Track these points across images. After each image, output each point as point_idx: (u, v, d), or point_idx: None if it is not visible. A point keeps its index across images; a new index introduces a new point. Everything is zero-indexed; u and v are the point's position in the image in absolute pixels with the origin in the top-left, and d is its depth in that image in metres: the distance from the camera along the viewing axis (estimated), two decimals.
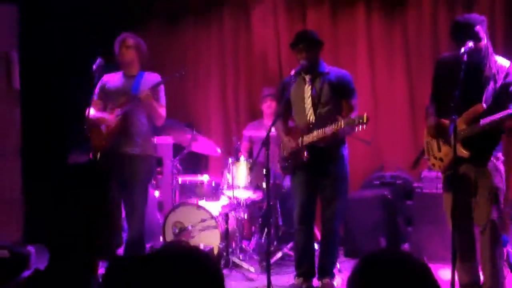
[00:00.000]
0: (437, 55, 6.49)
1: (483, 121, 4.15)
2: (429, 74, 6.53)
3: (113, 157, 5.34)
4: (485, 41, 4.21)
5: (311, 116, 4.99)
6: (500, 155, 4.35)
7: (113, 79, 5.58)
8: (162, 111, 5.50)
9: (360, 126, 4.58)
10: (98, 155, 5.36)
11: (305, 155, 4.93)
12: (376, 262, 1.58)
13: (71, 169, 2.00)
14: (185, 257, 1.55)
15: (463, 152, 4.19)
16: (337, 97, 5.00)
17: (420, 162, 4.91)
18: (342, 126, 4.62)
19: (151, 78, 5.55)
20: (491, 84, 4.20)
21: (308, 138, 4.92)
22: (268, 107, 6.82)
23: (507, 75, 4.23)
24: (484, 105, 4.17)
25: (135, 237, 5.41)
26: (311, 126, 4.94)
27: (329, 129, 4.72)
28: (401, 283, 1.52)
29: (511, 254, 5.40)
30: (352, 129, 4.69)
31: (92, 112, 5.29)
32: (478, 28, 4.16)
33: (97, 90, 5.49)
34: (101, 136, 5.41)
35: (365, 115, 4.53)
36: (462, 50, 4.05)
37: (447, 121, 4.19)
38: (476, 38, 4.12)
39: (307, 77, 5.05)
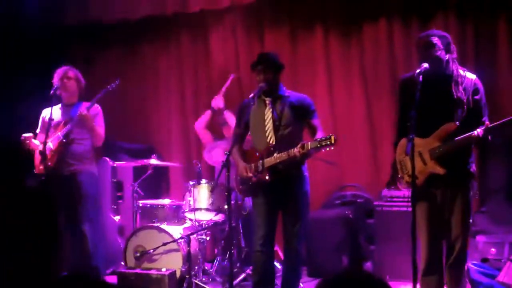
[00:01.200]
0: (394, 74, 6.64)
1: (459, 138, 4.19)
2: (386, 93, 6.71)
3: (57, 178, 5.60)
4: (450, 55, 4.30)
5: (271, 139, 4.93)
6: (473, 167, 4.40)
7: (53, 110, 5.71)
8: (101, 130, 5.84)
9: (328, 148, 4.55)
10: (42, 179, 5.57)
11: (267, 178, 4.88)
12: (336, 283, 1.59)
13: (18, 194, 1.96)
14: None
15: (438, 170, 4.24)
16: (298, 120, 4.97)
17: (395, 180, 4.94)
18: (309, 148, 4.59)
19: (86, 105, 5.83)
20: (462, 98, 4.25)
21: (270, 161, 4.87)
22: (216, 102, 6.99)
23: (476, 90, 4.30)
24: (457, 123, 4.22)
25: (84, 259, 5.65)
26: (271, 149, 4.89)
27: (294, 153, 4.65)
28: None
29: (471, 270, 5.47)
30: (319, 150, 4.66)
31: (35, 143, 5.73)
32: (436, 40, 4.25)
33: (40, 124, 5.90)
34: (47, 160, 5.58)
35: (332, 137, 4.47)
36: (418, 71, 4.13)
37: (424, 141, 4.26)
38: (434, 47, 4.22)
39: (268, 100, 5.02)
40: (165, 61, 7.94)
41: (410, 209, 4.11)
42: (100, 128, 5.83)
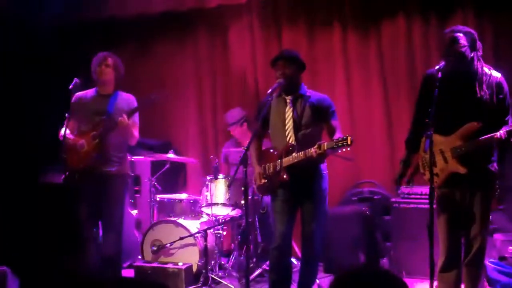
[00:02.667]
0: (412, 70, 6.61)
1: (482, 139, 4.14)
2: (405, 89, 6.68)
3: (90, 177, 5.41)
4: (476, 53, 4.25)
5: (291, 138, 4.91)
6: (495, 165, 4.36)
7: (86, 97, 5.61)
8: (136, 131, 5.59)
9: (344, 149, 4.50)
10: (76, 176, 5.39)
11: (285, 177, 4.89)
12: (352, 279, 1.59)
13: (42, 190, 1.98)
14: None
15: (460, 169, 4.21)
16: (318, 120, 4.94)
17: (414, 178, 4.92)
18: (326, 149, 4.56)
19: (126, 98, 5.65)
20: (486, 97, 4.22)
21: (288, 160, 4.85)
22: (234, 132, 6.82)
23: (500, 88, 4.26)
24: (479, 123, 4.18)
25: (111, 255, 5.47)
26: (290, 148, 4.87)
27: (311, 153, 4.62)
28: None
29: (489, 268, 5.45)
30: (335, 151, 4.65)
31: (67, 132, 5.40)
32: (461, 36, 4.21)
33: (71, 109, 5.50)
34: (78, 158, 5.44)
35: (349, 138, 4.43)
36: (437, 67, 4.09)
37: (446, 139, 4.24)
38: (459, 43, 4.18)
39: (288, 99, 4.99)
40: (182, 57, 7.97)
41: (427, 206, 4.09)
42: (135, 129, 5.59)
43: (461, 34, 4.21)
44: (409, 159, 4.54)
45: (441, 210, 4.26)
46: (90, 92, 5.66)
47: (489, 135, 4.11)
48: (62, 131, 5.46)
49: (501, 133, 4.08)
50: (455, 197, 4.33)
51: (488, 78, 4.24)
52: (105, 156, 5.46)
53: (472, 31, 4.29)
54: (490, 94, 4.21)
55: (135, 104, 5.62)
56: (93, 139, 5.43)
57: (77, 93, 5.61)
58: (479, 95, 4.20)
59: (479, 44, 4.28)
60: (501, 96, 4.24)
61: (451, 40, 4.21)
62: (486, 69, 4.28)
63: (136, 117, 5.62)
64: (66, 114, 5.43)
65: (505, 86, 4.29)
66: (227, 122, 6.83)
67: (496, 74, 4.29)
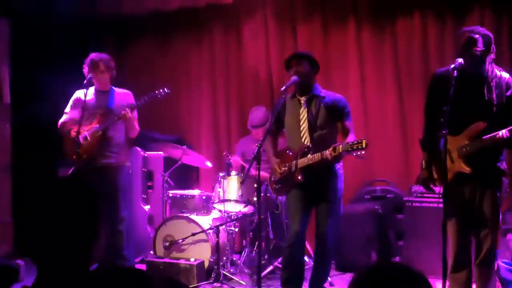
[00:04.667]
0: (427, 68, 6.57)
1: (485, 138, 4.14)
2: (419, 88, 6.64)
3: (91, 169, 5.65)
4: (489, 56, 4.24)
5: (306, 140, 4.93)
6: (504, 165, 4.35)
7: (86, 94, 5.74)
8: (136, 124, 5.90)
9: (359, 152, 4.51)
10: (78, 168, 5.64)
11: (299, 178, 4.90)
12: (376, 273, 1.58)
13: (56, 183, 1.99)
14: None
15: (465, 168, 4.21)
16: (333, 121, 4.95)
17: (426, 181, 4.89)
18: (341, 151, 4.57)
19: (124, 93, 5.96)
20: (494, 98, 4.21)
21: (303, 162, 4.87)
22: (258, 134, 6.72)
23: (508, 88, 4.24)
24: (485, 123, 4.17)
25: (115, 246, 5.74)
26: (306, 149, 4.89)
27: (326, 155, 4.64)
28: None
29: (502, 268, 5.42)
30: (350, 154, 4.63)
31: (63, 123, 5.83)
32: (479, 38, 4.18)
33: (69, 104, 5.90)
34: (82, 149, 5.65)
35: (364, 141, 4.45)
36: (452, 66, 4.08)
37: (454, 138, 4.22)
38: (476, 46, 4.15)
39: (303, 99, 5.00)
40: (197, 53, 7.97)
41: (440, 205, 4.07)
42: (136, 121, 5.90)
43: (479, 36, 4.18)
44: (430, 161, 4.48)
45: (450, 209, 4.23)
46: (89, 89, 5.81)
47: (491, 134, 4.11)
48: (61, 120, 5.84)
49: (503, 132, 4.07)
50: (464, 196, 4.31)
51: (498, 80, 4.24)
52: (107, 148, 5.73)
53: (490, 34, 4.25)
54: (498, 94, 4.21)
55: (132, 98, 5.93)
56: (96, 132, 5.69)
57: (77, 91, 5.89)
58: (487, 98, 4.20)
59: (493, 47, 4.26)
60: (508, 94, 4.23)
61: (470, 41, 4.17)
62: (496, 71, 4.28)
63: (135, 111, 5.88)
64: (65, 110, 5.86)
65: None
66: (252, 124, 6.73)
67: (505, 75, 4.29)
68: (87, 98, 5.71)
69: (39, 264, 1.86)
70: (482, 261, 4.35)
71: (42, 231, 1.85)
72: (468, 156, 4.21)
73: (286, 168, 4.99)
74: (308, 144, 4.91)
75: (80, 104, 5.69)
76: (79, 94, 5.86)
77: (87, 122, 5.72)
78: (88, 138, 5.68)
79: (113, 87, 5.93)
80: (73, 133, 5.62)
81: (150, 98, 5.81)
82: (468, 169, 4.21)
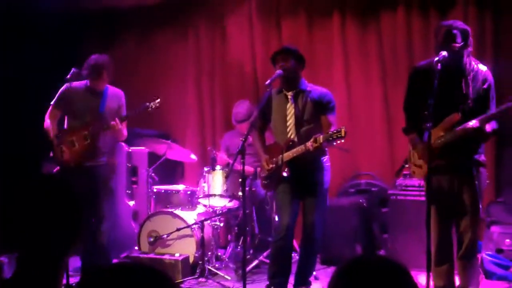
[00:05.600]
0: (411, 63, 6.59)
1: (457, 129, 4.20)
2: (403, 82, 6.56)
3: (79, 170, 5.55)
4: (466, 50, 4.26)
5: (292, 134, 4.97)
6: (482, 157, 4.39)
7: (77, 91, 5.67)
8: (125, 131, 5.76)
9: (339, 141, 4.56)
10: (67, 169, 5.52)
11: (285, 172, 4.93)
12: (357, 266, 1.58)
13: (39, 181, 1.98)
14: (147, 273, 1.54)
15: (439, 160, 4.25)
16: (319, 115, 4.99)
17: (403, 170, 4.95)
18: (321, 141, 4.61)
19: (116, 94, 5.81)
20: (470, 91, 4.24)
21: (288, 155, 4.91)
22: (243, 129, 6.66)
23: (484, 81, 4.28)
24: (460, 114, 4.22)
25: (103, 244, 5.65)
26: (291, 143, 4.94)
27: (308, 146, 4.69)
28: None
29: (485, 260, 5.45)
30: (331, 144, 4.68)
31: (48, 122, 5.66)
32: (458, 33, 4.21)
33: (57, 97, 5.67)
34: (69, 155, 5.56)
35: (342, 129, 4.51)
36: (436, 59, 4.10)
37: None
38: (455, 41, 4.18)
39: (290, 95, 5.03)
40: (182, 47, 7.94)
41: (424, 198, 4.10)
42: (124, 127, 5.76)
43: (458, 31, 4.21)
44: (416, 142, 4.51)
45: (431, 202, 4.24)
46: (81, 86, 5.72)
47: (463, 125, 4.14)
48: (47, 119, 5.69)
49: (473, 122, 4.10)
50: (443, 189, 4.35)
51: (475, 73, 4.28)
52: (94, 152, 5.62)
53: (468, 27, 4.30)
54: (474, 87, 4.26)
55: (123, 100, 5.81)
56: (85, 139, 5.58)
57: (69, 84, 5.61)
58: (464, 91, 4.26)
59: (470, 40, 4.31)
60: (485, 86, 4.28)
61: (449, 35, 4.20)
62: (473, 64, 4.32)
63: (124, 113, 5.78)
64: (52, 102, 5.66)
65: (490, 79, 4.34)
66: (236, 119, 6.68)
67: (482, 68, 4.34)
68: (80, 97, 5.63)
69: (19, 258, 1.85)
70: (464, 253, 4.39)
71: (24, 227, 1.84)
72: (445, 148, 4.24)
73: (274, 165, 5.00)
74: (293, 138, 4.92)
75: (70, 101, 5.59)
76: (67, 90, 5.63)
77: (77, 124, 5.62)
78: (76, 145, 5.58)
79: (107, 87, 5.78)
80: (55, 140, 5.54)
81: (142, 109, 5.72)
82: (443, 161, 4.26)
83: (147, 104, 5.72)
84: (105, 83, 5.71)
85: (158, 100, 5.75)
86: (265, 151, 5.18)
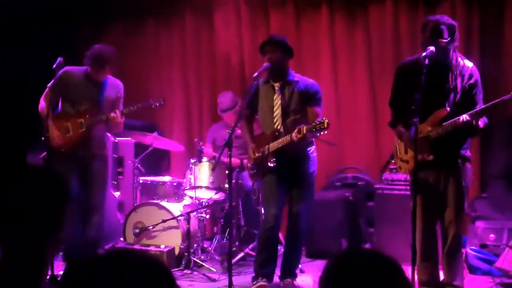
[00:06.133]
0: (399, 57, 6.60)
1: (446, 123, 4.21)
2: (391, 76, 6.58)
3: (71, 159, 5.48)
4: (453, 45, 4.27)
5: (278, 125, 5.00)
6: (468, 153, 4.42)
7: (76, 76, 5.57)
8: (121, 125, 5.65)
9: (322, 132, 4.59)
10: (56, 156, 5.39)
11: (271, 162, 4.94)
12: (349, 261, 1.58)
13: (29, 171, 1.97)
14: (139, 259, 1.53)
15: (427, 155, 4.27)
16: (305, 106, 5.01)
17: (389, 165, 4.97)
18: (305, 132, 4.63)
19: (115, 85, 5.68)
20: (457, 86, 4.26)
21: (273, 146, 4.94)
22: (228, 118, 6.71)
23: (470, 76, 4.30)
24: (448, 109, 4.24)
25: (94, 236, 5.59)
26: (277, 134, 4.96)
27: (292, 137, 4.72)
28: (376, 281, 1.52)
29: (470, 255, 5.49)
30: (315, 135, 4.71)
31: (42, 104, 5.49)
32: (444, 28, 4.21)
33: (54, 80, 5.40)
34: (63, 141, 5.47)
35: (325, 121, 4.54)
36: (424, 54, 4.10)
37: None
38: (442, 37, 4.18)
39: (277, 85, 5.04)
40: (168, 38, 7.90)
41: (409, 192, 4.12)
42: (122, 123, 5.66)
43: (444, 26, 4.22)
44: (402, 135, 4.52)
45: (415, 195, 4.26)
46: (80, 72, 5.61)
47: (452, 120, 4.16)
48: (42, 101, 5.52)
49: (464, 117, 4.12)
50: (428, 183, 4.37)
51: (461, 68, 4.30)
52: (88, 143, 5.53)
53: (455, 23, 4.31)
54: (461, 82, 4.26)
55: (122, 92, 5.70)
56: (80, 127, 5.48)
57: (67, 68, 5.54)
58: (452, 86, 4.28)
59: (457, 35, 4.32)
60: (471, 82, 4.30)
61: (436, 31, 4.21)
62: (459, 59, 4.33)
63: (121, 106, 5.67)
64: (48, 85, 5.46)
65: (476, 75, 4.36)
66: (221, 108, 6.71)
67: (468, 64, 4.35)
68: (78, 83, 5.53)
69: (4, 248, 1.85)
70: (448, 249, 4.41)
71: (8, 216, 1.83)
72: (432, 143, 4.26)
73: (260, 154, 5.02)
74: (279, 128, 4.93)
75: (68, 87, 5.51)
76: (66, 74, 5.53)
77: (73, 111, 5.53)
78: (70, 131, 5.50)
79: (107, 77, 5.67)
80: (49, 123, 5.35)
81: (143, 106, 5.65)
82: (429, 155, 4.27)
83: (151, 101, 5.64)
84: (106, 74, 5.60)
85: (162, 100, 5.67)
86: (252, 141, 5.20)
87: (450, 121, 4.20)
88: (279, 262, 5.19)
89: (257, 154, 5.06)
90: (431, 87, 4.21)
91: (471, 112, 4.13)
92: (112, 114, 5.44)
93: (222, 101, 6.70)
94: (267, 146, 5.00)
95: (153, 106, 5.66)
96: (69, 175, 5.31)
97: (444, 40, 4.20)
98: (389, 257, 1.57)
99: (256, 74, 4.90)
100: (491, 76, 4.41)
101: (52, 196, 1.89)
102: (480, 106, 4.24)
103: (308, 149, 5.03)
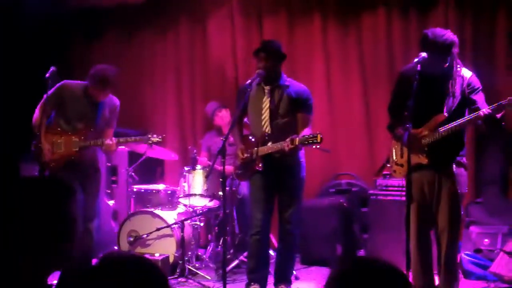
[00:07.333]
0: (392, 63, 6.62)
1: (441, 129, 4.21)
2: (384, 83, 6.68)
3: (68, 166, 5.44)
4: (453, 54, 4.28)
5: (267, 128, 4.99)
6: (464, 160, 4.42)
7: (75, 93, 5.50)
8: (115, 150, 5.62)
9: (314, 146, 4.60)
10: (50, 167, 5.39)
11: (259, 166, 4.95)
12: (354, 270, 1.58)
13: (27, 183, 1.95)
14: (134, 265, 1.53)
15: (422, 159, 4.29)
16: (295, 111, 5.01)
17: (384, 169, 4.96)
18: (297, 144, 4.64)
19: (111, 103, 5.63)
20: (456, 92, 4.26)
21: (262, 150, 4.94)
22: (221, 118, 6.78)
23: (468, 85, 4.30)
24: (446, 114, 4.24)
25: (89, 246, 5.54)
26: (266, 137, 4.97)
27: (284, 147, 4.71)
28: None
29: (464, 260, 5.49)
30: (306, 146, 4.72)
31: (37, 115, 5.41)
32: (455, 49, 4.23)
33: (52, 94, 5.38)
34: (53, 157, 5.43)
35: (318, 136, 4.55)
36: (416, 60, 4.11)
37: (415, 131, 4.26)
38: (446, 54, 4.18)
39: (267, 88, 5.04)
40: (162, 47, 7.91)
41: (404, 198, 4.11)
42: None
43: (456, 47, 4.22)
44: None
45: (409, 198, 4.25)
46: (79, 88, 5.53)
47: (471, 115, 4.13)
48: (37, 112, 5.45)
49: (484, 110, 4.09)
50: (423, 188, 4.37)
51: (461, 78, 4.29)
52: (79, 160, 5.48)
53: (455, 39, 4.24)
54: (460, 91, 4.26)
55: (117, 110, 5.66)
56: (73, 146, 5.44)
57: (66, 82, 5.53)
58: (450, 93, 4.27)
59: (457, 42, 4.28)
60: (467, 91, 4.28)
61: (445, 50, 4.16)
62: (458, 67, 4.33)
63: (115, 125, 5.69)
64: (44, 96, 5.36)
65: (475, 84, 4.32)
66: (209, 114, 6.88)
67: (468, 74, 4.33)
68: (76, 100, 5.46)
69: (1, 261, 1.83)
70: (444, 256, 4.37)
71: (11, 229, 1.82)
72: (428, 148, 4.27)
73: (248, 155, 5.02)
74: (268, 132, 4.96)
75: (65, 101, 5.45)
76: (65, 85, 5.49)
77: (68, 127, 5.47)
78: (62, 148, 5.44)
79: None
80: (41, 138, 5.35)
81: (141, 139, 5.61)
82: (425, 159, 4.28)
83: (149, 136, 5.58)
84: (107, 96, 5.54)
85: (162, 137, 5.63)
86: (241, 141, 5.20)
87: (447, 127, 4.19)
88: (273, 269, 5.18)
89: (245, 155, 5.06)
90: (430, 93, 4.23)
91: (492, 106, 4.09)
92: (108, 141, 5.39)
93: (207, 109, 6.94)
94: (255, 149, 5.00)
95: (150, 142, 5.58)
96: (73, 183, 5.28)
97: (447, 64, 4.23)
98: (395, 267, 1.57)
99: (249, 81, 4.95)
100: (483, 81, 4.39)
101: (57, 207, 1.87)
102: (486, 108, 4.20)
103: (297, 154, 5.01)
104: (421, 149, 4.29)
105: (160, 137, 5.59)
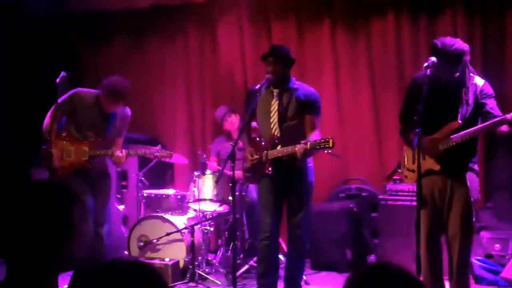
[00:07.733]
0: (401, 67, 6.61)
1: (453, 136, 4.19)
2: (393, 87, 6.68)
3: (78, 172, 5.45)
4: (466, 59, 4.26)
5: (276, 131, 5.00)
6: (476, 167, 4.40)
7: (87, 101, 5.50)
8: (125, 161, 5.63)
9: (326, 150, 4.61)
10: (59, 174, 5.39)
11: (269, 169, 4.94)
12: (371, 276, 1.58)
13: (35, 187, 1.97)
14: (132, 270, 1.54)
15: (434, 165, 4.27)
16: (303, 113, 5.01)
17: (395, 174, 4.95)
18: (308, 148, 4.63)
19: (123, 114, 5.61)
20: (469, 100, 4.24)
21: (272, 153, 4.94)
22: (231, 123, 6.78)
23: (481, 92, 4.28)
24: (460, 121, 4.21)
25: (101, 250, 5.54)
26: (276, 140, 4.96)
27: (295, 150, 4.70)
28: None
29: (475, 265, 5.47)
30: (317, 151, 4.71)
31: (48, 121, 5.40)
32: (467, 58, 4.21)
33: (64, 101, 5.41)
34: (62, 164, 5.43)
35: (330, 140, 4.56)
36: (425, 64, 4.09)
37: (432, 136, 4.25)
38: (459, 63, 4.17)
39: (275, 91, 5.05)
40: (171, 52, 7.92)
41: (414, 203, 4.09)
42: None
43: (468, 56, 4.20)
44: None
45: (419, 204, 4.23)
46: (91, 97, 5.53)
47: (497, 119, 4.10)
48: (48, 118, 5.44)
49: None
50: (434, 192, 4.34)
51: (474, 86, 4.26)
52: (88, 168, 5.49)
53: (466, 48, 4.21)
54: (473, 98, 4.24)
55: (128, 120, 5.66)
56: (83, 155, 5.45)
57: (79, 90, 5.54)
58: (464, 100, 4.24)
59: (468, 50, 4.26)
60: (480, 100, 4.25)
61: (456, 59, 4.13)
62: (471, 74, 4.30)
63: (124, 133, 5.70)
64: (56, 101, 5.33)
65: (488, 91, 4.30)
66: (219, 119, 6.88)
67: (480, 82, 4.30)
68: (88, 109, 5.46)
69: (10, 263, 1.84)
70: (456, 262, 4.34)
71: (14, 231, 1.83)
72: (440, 155, 4.25)
73: (258, 157, 5.01)
74: (277, 135, 4.96)
75: (77, 109, 5.46)
76: (78, 94, 5.50)
77: (78, 135, 5.48)
78: (72, 156, 5.46)
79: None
80: (51, 144, 5.33)
81: (151, 153, 5.66)
82: (438, 166, 4.26)
83: (156, 151, 5.63)
84: (118, 107, 5.52)
85: (169, 153, 5.69)
86: (250, 144, 5.21)
87: (459, 135, 4.17)
88: (283, 274, 5.18)
89: (255, 157, 5.06)
90: (443, 100, 4.22)
91: None
92: (118, 153, 5.41)
93: (217, 114, 6.91)
94: (265, 152, 5.00)
95: (159, 155, 5.65)
96: (83, 189, 5.31)
97: (458, 73, 4.21)
98: (412, 274, 1.57)
99: (258, 86, 4.95)
100: (493, 84, 4.37)
101: (57, 211, 1.89)
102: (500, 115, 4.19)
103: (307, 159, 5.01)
104: (437, 154, 4.26)
105: (170, 152, 5.68)
